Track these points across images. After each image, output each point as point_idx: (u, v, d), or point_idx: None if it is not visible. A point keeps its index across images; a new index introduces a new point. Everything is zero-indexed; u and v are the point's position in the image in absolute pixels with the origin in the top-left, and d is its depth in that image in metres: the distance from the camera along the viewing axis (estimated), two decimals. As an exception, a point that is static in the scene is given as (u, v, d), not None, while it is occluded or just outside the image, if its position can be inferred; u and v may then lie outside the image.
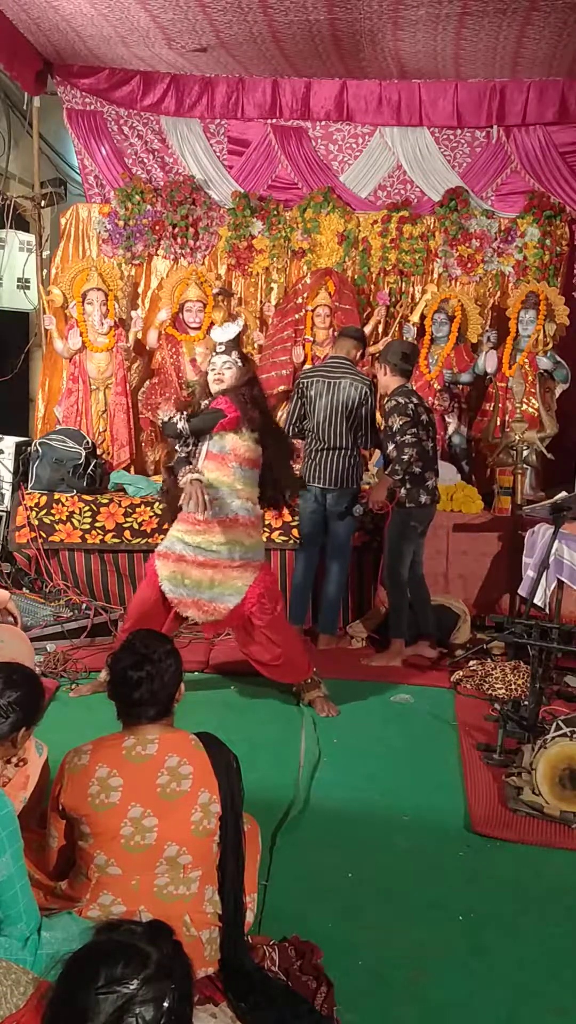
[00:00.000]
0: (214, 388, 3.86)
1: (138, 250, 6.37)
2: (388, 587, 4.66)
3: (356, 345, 4.97)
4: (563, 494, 4.59)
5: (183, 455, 3.88)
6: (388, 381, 4.66)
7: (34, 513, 5.26)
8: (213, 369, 3.87)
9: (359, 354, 5.04)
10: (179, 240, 6.34)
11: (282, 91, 6.27)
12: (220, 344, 3.88)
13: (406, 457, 4.46)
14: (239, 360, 3.87)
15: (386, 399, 4.65)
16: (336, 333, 5.38)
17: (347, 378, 4.76)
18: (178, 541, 3.89)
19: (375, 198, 6.47)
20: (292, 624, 4.62)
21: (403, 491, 4.53)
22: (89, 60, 6.05)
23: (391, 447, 4.51)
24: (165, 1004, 1.17)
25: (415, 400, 4.60)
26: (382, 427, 4.78)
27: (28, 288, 6.30)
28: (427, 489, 4.60)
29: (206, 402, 3.90)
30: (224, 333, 3.88)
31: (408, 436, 4.44)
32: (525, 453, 5.54)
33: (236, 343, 3.89)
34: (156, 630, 3.82)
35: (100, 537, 5.25)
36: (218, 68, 6.12)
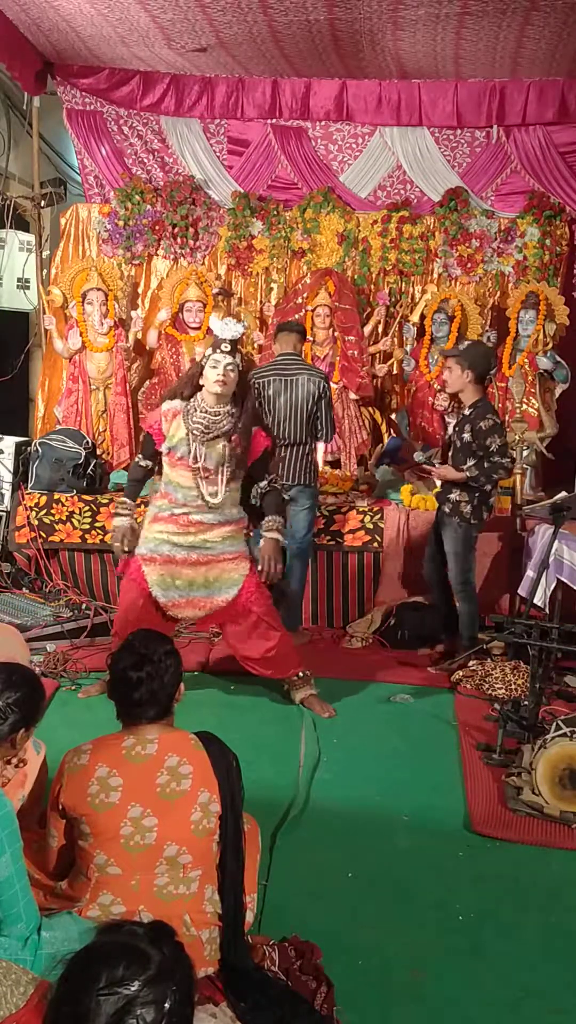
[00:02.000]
0: (214, 389, 3.70)
1: (138, 250, 6.37)
2: (461, 596, 4.62)
3: (301, 339, 4.98)
4: (563, 494, 4.58)
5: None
6: (468, 388, 4.48)
7: (34, 513, 5.26)
8: (216, 368, 3.69)
9: (302, 347, 5.04)
10: (179, 240, 6.34)
11: (282, 91, 6.27)
12: (226, 343, 3.73)
13: (496, 477, 4.40)
14: (240, 364, 3.76)
15: (468, 409, 4.50)
16: (275, 330, 5.27)
17: (303, 374, 4.75)
18: (164, 543, 3.81)
19: (375, 198, 6.47)
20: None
21: (469, 508, 4.49)
22: (89, 60, 6.04)
23: (475, 462, 4.38)
24: (166, 1005, 1.17)
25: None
26: (456, 434, 4.59)
27: (28, 288, 6.30)
28: (488, 506, 4.58)
29: (214, 409, 3.72)
30: (230, 330, 3.73)
31: (506, 460, 4.37)
32: (525, 453, 5.54)
33: (238, 343, 3.81)
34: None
35: (100, 537, 5.25)
36: (218, 68, 6.12)
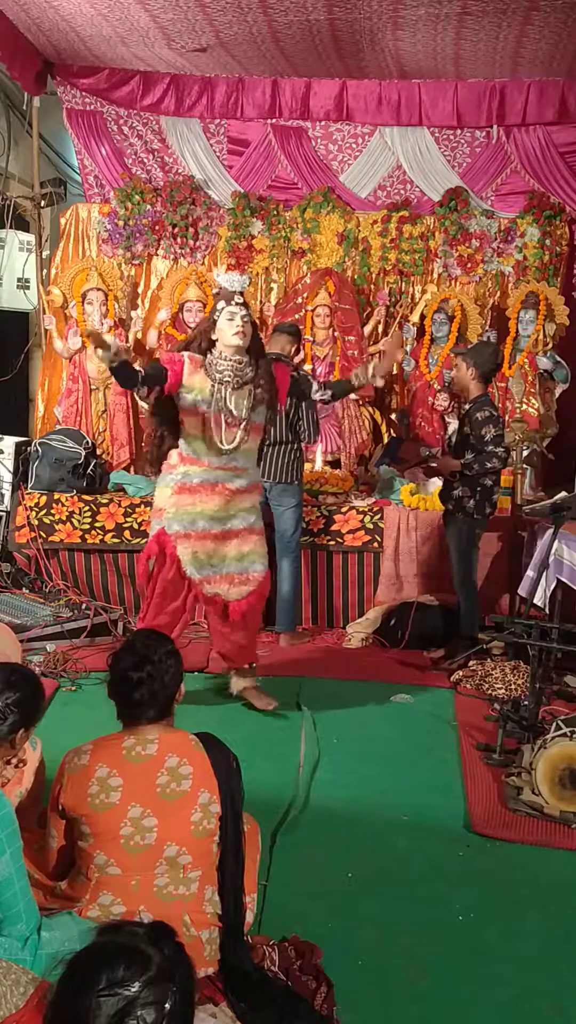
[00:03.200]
0: (234, 341, 3.60)
1: (138, 250, 6.37)
2: (462, 594, 4.63)
3: (291, 341, 4.98)
4: (563, 494, 4.58)
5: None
6: (472, 386, 4.54)
7: (34, 513, 5.26)
8: (233, 320, 3.60)
9: (293, 349, 5.04)
10: (179, 240, 6.34)
11: (282, 91, 6.27)
12: (238, 295, 3.64)
13: (489, 466, 4.43)
14: (251, 315, 3.70)
15: (468, 404, 4.55)
16: (271, 330, 5.30)
17: None
18: (200, 517, 3.71)
19: (375, 198, 6.47)
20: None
21: (472, 502, 4.51)
22: (89, 60, 6.04)
23: (473, 455, 4.43)
24: (167, 1006, 1.17)
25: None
26: (454, 429, 4.64)
27: (28, 288, 6.30)
28: (492, 503, 4.60)
29: (236, 359, 3.63)
30: (239, 281, 3.68)
31: (500, 449, 4.41)
32: (525, 453, 5.54)
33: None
34: (179, 610, 3.80)
35: (100, 537, 5.25)
36: (218, 68, 6.12)
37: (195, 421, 3.68)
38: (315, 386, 4.00)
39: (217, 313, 3.66)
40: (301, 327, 6.00)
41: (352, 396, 6.05)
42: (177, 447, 3.78)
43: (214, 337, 3.67)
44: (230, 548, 3.81)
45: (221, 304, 3.66)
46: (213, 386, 3.64)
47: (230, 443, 3.68)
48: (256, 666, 4.16)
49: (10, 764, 2.38)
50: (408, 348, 6.24)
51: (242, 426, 3.69)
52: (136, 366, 3.70)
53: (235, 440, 3.68)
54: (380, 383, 4.29)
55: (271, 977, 2.14)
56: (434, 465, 4.65)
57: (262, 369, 3.73)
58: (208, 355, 3.68)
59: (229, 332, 3.62)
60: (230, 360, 3.64)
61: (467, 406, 4.56)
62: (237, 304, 3.63)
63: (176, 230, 6.31)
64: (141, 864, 2.12)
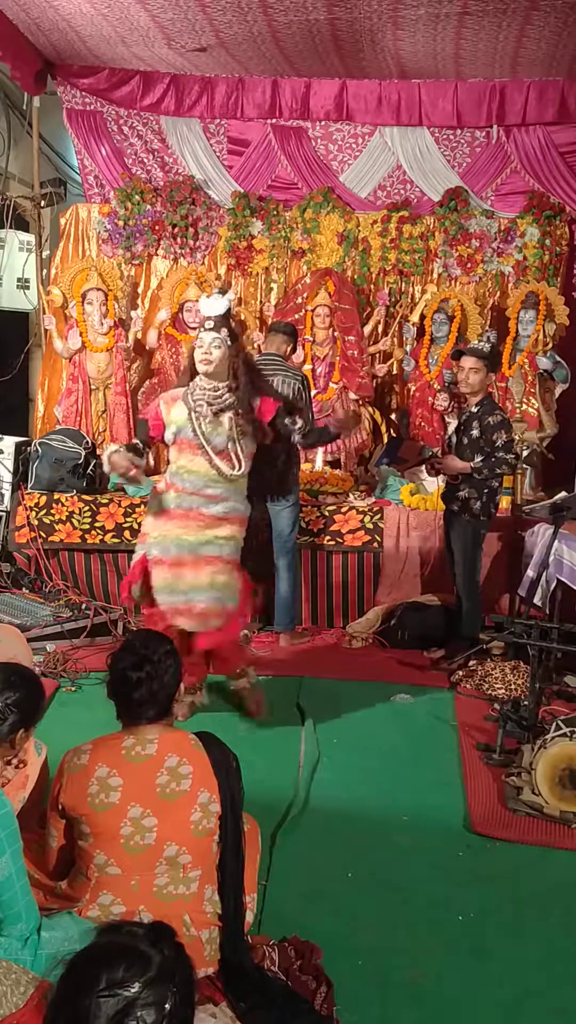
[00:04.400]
0: (200, 368, 3.56)
1: (138, 250, 6.37)
2: (466, 594, 4.62)
3: (287, 340, 4.97)
4: (563, 494, 4.59)
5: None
6: (480, 386, 4.52)
7: (34, 513, 5.26)
8: (200, 347, 3.57)
9: (289, 349, 5.03)
10: (179, 240, 6.34)
11: (282, 91, 6.27)
12: (208, 320, 3.57)
13: (499, 471, 4.44)
14: (229, 338, 3.60)
15: (476, 405, 4.53)
16: (267, 328, 5.28)
17: (279, 375, 4.75)
18: (174, 543, 3.60)
19: (375, 198, 6.47)
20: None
21: (478, 504, 4.50)
22: (89, 60, 6.04)
23: (482, 458, 4.41)
24: (167, 1007, 1.17)
25: None
26: (463, 431, 4.58)
27: (28, 288, 6.30)
28: (495, 504, 4.61)
29: (211, 386, 3.58)
30: (213, 306, 3.59)
31: (510, 456, 4.40)
32: (525, 453, 5.54)
33: (226, 318, 3.63)
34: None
35: (100, 537, 5.25)
36: (218, 68, 6.12)
37: (175, 450, 3.68)
38: (299, 424, 3.84)
39: (196, 342, 3.66)
40: (301, 327, 6.01)
41: (352, 396, 6.07)
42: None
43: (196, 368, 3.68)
44: (202, 576, 3.59)
45: (199, 331, 3.65)
46: (190, 414, 3.62)
47: (203, 470, 3.60)
48: (251, 668, 4.08)
49: (10, 764, 2.38)
50: (408, 348, 6.24)
51: (219, 454, 3.60)
52: (133, 442, 3.76)
53: (207, 467, 3.59)
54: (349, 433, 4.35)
55: (271, 977, 2.14)
56: (439, 466, 4.62)
57: (241, 396, 3.63)
58: (190, 385, 3.67)
59: (197, 359, 3.60)
60: (205, 389, 3.60)
61: (474, 407, 4.53)
62: (207, 330, 3.57)
63: (176, 230, 6.31)
64: (141, 864, 2.13)
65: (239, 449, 3.63)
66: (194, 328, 6.07)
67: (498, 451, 4.40)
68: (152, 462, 3.85)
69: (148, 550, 3.70)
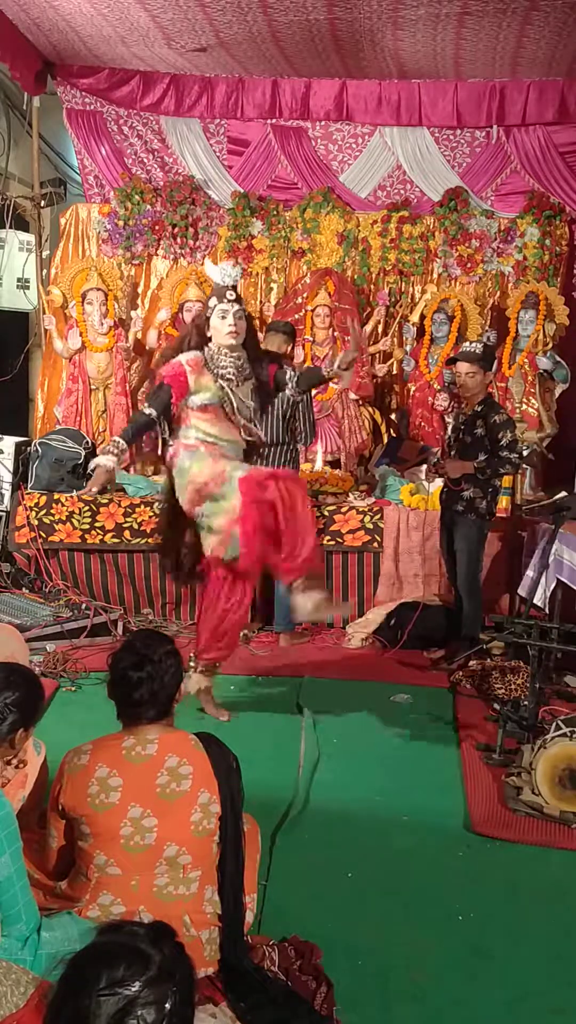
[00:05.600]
0: (228, 341, 3.51)
1: (138, 250, 6.37)
2: (467, 594, 4.61)
3: (286, 340, 4.97)
4: (563, 494, 4.59)
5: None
6: (479, 388, 4.52)
7: (34, 513, 5.26)
8: (226, 319, 3.50)
9: (289, 348, 5.02)
10: (179, 240, 6.34)
11: (282, 91, 6.27)
12: (229, 290, 3.51)
13: (502, 471, 4.45)
14: (245, 309, 3.59)
15: (479, 405, 4.51)
16: (266, 328, 5.27)
17: None
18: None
19: (375, 198, 6.47)
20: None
21: (484, 503, 4.50)
22: (89, 60, 6.04)
23: (487, 457, 4.40)
24: (167, 1006, 1.17)
25: None
26: (467, 430, 4.55)
27: (28, 288, 6.30)
28: (497, 501, 4.63)
29: (235, 355, 3.56)
30: (229, 275, 3.55)
31: (514, 456, 4.40)
32: (525, 453, 5.53)
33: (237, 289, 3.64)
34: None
35: (100, 537, 5.25)
36: (218, 68, 6.12)
37: (205, 418, 3.58)
38: (288, 373, 3.80)
39: (210, 311, 3.58)
40: (301, 327, 6.01)
41: (352, 396, 6.05)
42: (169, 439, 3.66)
43: (208, 334, 3.60)
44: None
45: (213, 301, 3.58)
46: (217, 383, 3.56)
47: (236, 438, 3.64)
48: (219, 667, 3.95)
49: (10, 764, 2.38)
50: (408, 348, 6.24)
51: (247, 422, 3.65)
52: (146, 412, 3.55)
53: (239, 436, 3.64)
54: (347, 380, 4.17)
55: (271, 977, 2.14)
56: (442, 470, 4.61)
57: (262, 368, 3.69)
58: (205, 351, 3.60)
59: (223, 331, 3.54)
60: (230, 356, 3.58)
61: (477, 407, 4.52)
62: (229, 300, 3.52)
63: (176, 230, 6.31)
64: (141, 864, 2.12)
65: (258, 416, 3.67)
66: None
67: (502, 450, 4.40)
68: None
69: (235, 472, 3.51)
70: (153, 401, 3.57)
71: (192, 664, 3.80)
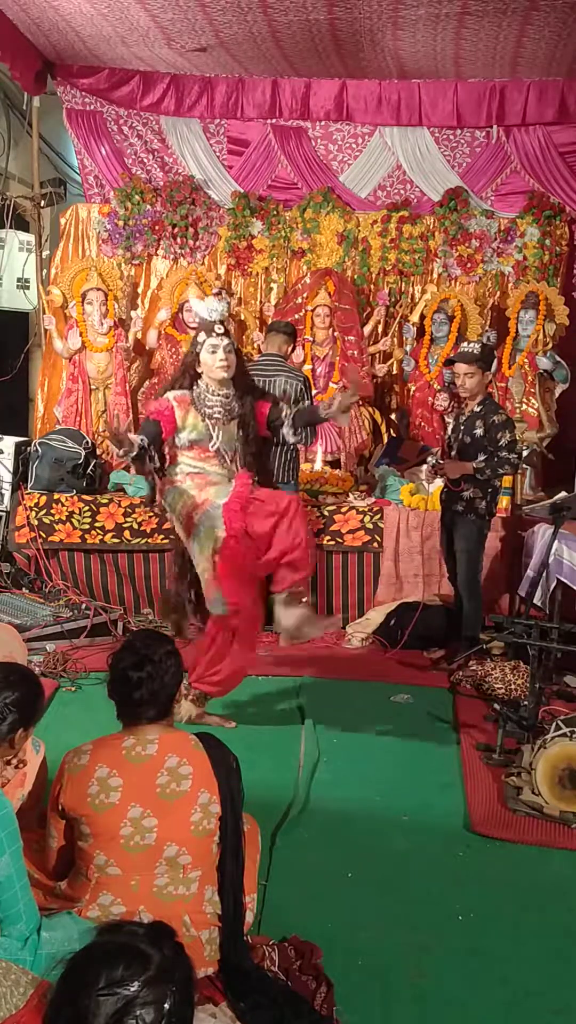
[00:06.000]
0: (219, 375, 3.52)
1: (138, 250, 6.37)
2: (468, 594, 4.60)
3: (287, 340, 4.97)
4: (563, 494, 4.59)
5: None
6: (479, 388, 4.51)
7: (34, 513, 5.26)
8: (215, 354, 3.51)
9: (290, 349, 5.02)
10: (179, 240, 6.34)
11: (282, 91, 6.27)
12: (217, 325, 3.51)
13: (501, 472, 4.45)
14: (234, 343, 3.59)
15: (478, 405, 4.51)
16: (266, 328, 5.27)
17: (281, 375, 4.76)
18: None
19: (375, 198, 6.47)
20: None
21: (484, 503, 4.50)
22: (89, 60, 6.04)
23: (486, 458, 4.41)
24: (166, 1006, 1.17)
25: None
26: (466, 431, 4.56)
27: (28, 288, 6.30)
28: (497, 502, 4.63)
29: (223, 392, 3.56)
30: (216, 310, 3.54)
31: (513, 456, 4.40)
32: (525, 453, 5.54)
33: (225, 323, 3.62)
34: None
35: (100, 537, 5.25)
36: (218, 68, 6.12)
37: (190, 454, 3.62)
38: (284, 411, 3.79)
39: (199, 346, 3.57)
40: (301, 327, 6.01)
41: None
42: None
43: (199, 370, 3.59)
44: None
45: (202, 336, 3.56)
46: (204, 422, 3.57)
47: (222, 472, 3.61)
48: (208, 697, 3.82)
49: (10, 764, 2.38)
50: (408, 348, 6.24)
51: (232, 459, 3.62)
52: (137, 439, 3.53)
53: (225, 471, 3.60)
54: (344, 421, 4.16)
55: (271, 977, 2.14)
56: (441, 471, 4.60)
57: (248, 407, 3.63)
58: (195, 389, 3.60)
59: (213, 365, 3.54)
60: (218, 395, 3.57)
61: (477, 407, 4.53)
62: (218, 335, 3.52)
63: (176, 230, 6.31)
64: (141, 864, 2.12)
65: (244, 453, 3.65)
66: (194, 328, 6.10)
67: (501, 450, 4.40)
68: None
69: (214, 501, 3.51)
70: (142, 431, 3.59)
71: (185, 691, 3.65)
